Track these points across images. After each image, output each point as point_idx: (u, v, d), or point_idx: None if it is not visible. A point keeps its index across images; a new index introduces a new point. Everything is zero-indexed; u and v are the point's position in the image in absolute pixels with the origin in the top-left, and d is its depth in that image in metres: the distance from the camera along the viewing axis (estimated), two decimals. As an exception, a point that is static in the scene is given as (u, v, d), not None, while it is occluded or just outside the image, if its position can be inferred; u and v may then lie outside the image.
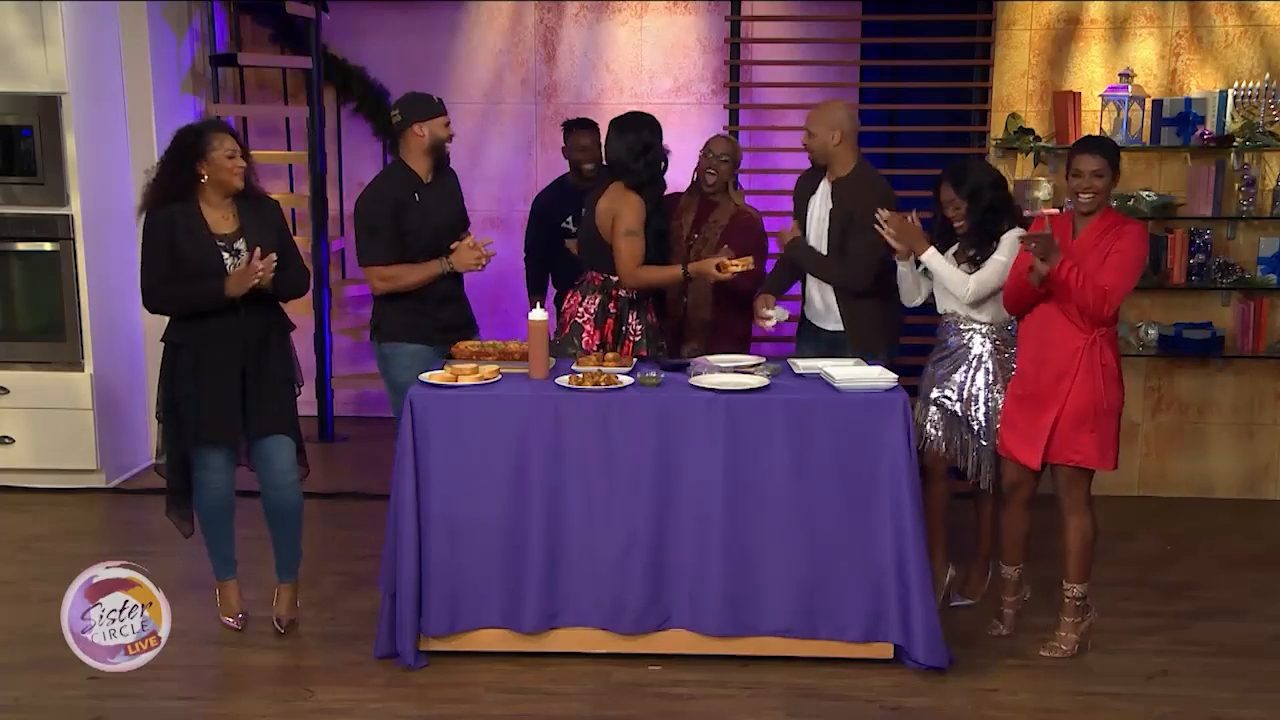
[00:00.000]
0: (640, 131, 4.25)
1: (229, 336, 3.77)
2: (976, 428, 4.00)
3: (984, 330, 4.01)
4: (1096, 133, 5.42)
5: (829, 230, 4.26)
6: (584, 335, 4.33)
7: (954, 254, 4.02)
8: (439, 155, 4.21)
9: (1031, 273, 3.64)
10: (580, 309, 4.36)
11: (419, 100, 4.20)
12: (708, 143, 4.70)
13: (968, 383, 4.01)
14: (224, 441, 3.84)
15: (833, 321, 4.35)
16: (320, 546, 4.64)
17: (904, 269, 4.10)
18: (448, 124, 4.21)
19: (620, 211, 4.23)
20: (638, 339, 4.35)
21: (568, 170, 5.31)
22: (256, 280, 3.68)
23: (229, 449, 3.89)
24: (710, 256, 4.30)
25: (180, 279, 3.71)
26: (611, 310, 4.34)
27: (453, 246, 4.18)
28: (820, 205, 4.32)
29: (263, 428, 3.85)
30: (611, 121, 4.34)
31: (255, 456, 3.92)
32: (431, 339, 4.19)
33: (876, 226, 4.01)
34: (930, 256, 3.97)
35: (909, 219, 4.02)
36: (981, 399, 4.00)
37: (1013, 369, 3.95)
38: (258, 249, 3.70)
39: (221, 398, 3.78)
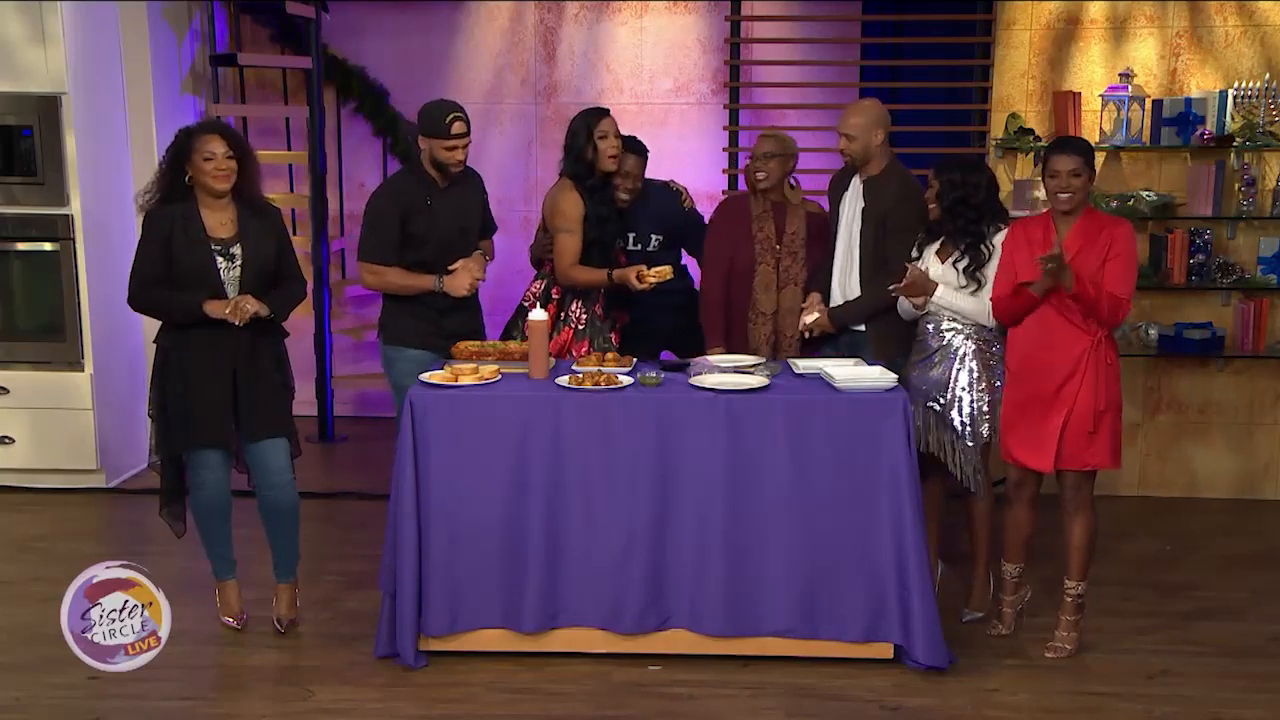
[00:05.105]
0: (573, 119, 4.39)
1: (220, 341, 3.76)
2: (960, 428, 3.96)
3: (965, 330, 3.95)
4: (1097, 133, 5.44)
5: (861, 230, 4.18)
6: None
7: (937, 252, 3.99)
8: (441, 172, 4.16)
9: (1033, 286, 3.68)
10: (529, 292, 4.48)
11: (429, 116, 4.08)
12: (757, 141, 4.49)
13: (951, 382, 3.96)
14: (216, 444, 3.85)
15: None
16: (320, 546, 4.64)
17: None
18: (451, 149, 4.06)
19: (558, 206, 4.33)
20: (580, 327, 4.38)
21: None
22: (225, 316, 3.66)
23: (224, 449, 3.89)
24: (798, 269, 4.36)
25: (164, 284, 3.72)
26: (554, 295, 4.42)
27: (452, 266, 4.14)
28: (852, 203, 4.24)
29: (257, 431, 3.85)
30: None
31: (249, 458, 3.91)
32: (435, 345, 4.16)
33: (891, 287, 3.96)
34: (941, 295, 3.90)
35: (913, 269, 3.93)
36: (965, 399, 3.94)
37: (997, 367, 3.94)
38: (249, 297, 3.69)
39: (212, 401, 3.78)
